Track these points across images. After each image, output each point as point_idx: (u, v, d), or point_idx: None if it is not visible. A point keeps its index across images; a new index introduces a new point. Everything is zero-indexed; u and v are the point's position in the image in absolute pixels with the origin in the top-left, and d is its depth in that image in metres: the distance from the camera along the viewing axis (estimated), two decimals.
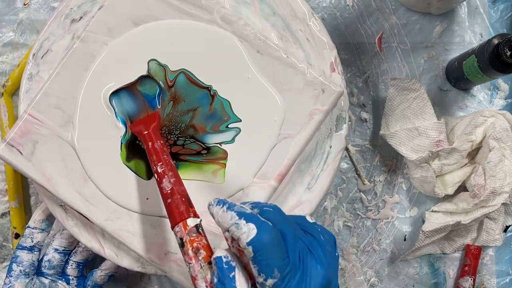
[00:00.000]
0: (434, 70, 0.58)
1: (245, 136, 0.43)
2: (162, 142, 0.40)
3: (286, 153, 0.43)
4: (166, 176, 0.36)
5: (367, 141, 0.58)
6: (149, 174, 0.43)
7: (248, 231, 0.29)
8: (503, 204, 0.54)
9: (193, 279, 0.31)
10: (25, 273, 0.46)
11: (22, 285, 0.46)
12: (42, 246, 0.48)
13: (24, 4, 0.58)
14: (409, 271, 0.57)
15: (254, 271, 0.29)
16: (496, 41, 0.48)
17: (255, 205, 0.31)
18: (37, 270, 0.48)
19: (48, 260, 0.48)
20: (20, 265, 0.46)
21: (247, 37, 0.43)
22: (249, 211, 0.30)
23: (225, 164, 0.43)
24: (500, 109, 0.58)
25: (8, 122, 0.55)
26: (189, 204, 0.35)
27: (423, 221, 0.55)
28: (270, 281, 0.28)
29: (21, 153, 0.42)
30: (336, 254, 0.33)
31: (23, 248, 0.47)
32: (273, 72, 0.43)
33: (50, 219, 0.48)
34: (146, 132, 0.40)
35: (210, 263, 0.31)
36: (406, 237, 0.57)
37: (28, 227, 0.48)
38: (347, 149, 0.57)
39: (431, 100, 0.54)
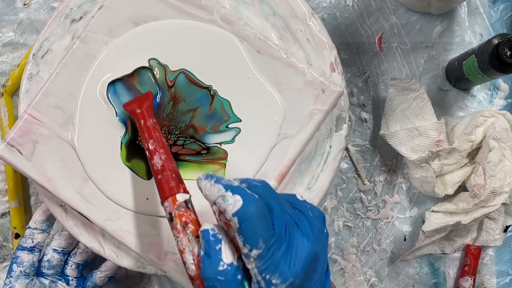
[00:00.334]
0: (434, 70, 0.58)
1: (245, 136, 0.43)
2: (154, 120, 0.40)
3: (286, 153, 0.43)
4: (157, 152, 0.37)
5: (367, 141, 0.58)
6: (149, 174, 0.43)
7: (234, 203, 0.29)
8: (503, 204, 0.54)
9: (181, 252, 0.31)
10: (25, 273, 0.46)
11: (22, 285, 0.46)
12: (43, 246, 0.48)
13: (24, 4, 0.58)
14: (409, 271, 0.57)
15: (240, 243, 0.29)
16: (496, 41, 0.48)
17: (244, 180, 0.31)
18: (37, 271, 0.48)
19: (48, 260, 0.48)
20: (21, 265, 0.46)
21: (247, 37, 0.43)
22: (236, 184, 0.30)
23: (225, 164, 0.43)
24: (500, 109, 0.58)
25: (8, 122, 0.55)
26: (179, 180, 0.35)
27: (423, 221, 0.55)
28: (255, 252, 0.28)
29: (21, 153, 0.42)
30: (325, 231, 0.32)
31: (24, 248, 0.47)
32: (273, 72, 0.43)
33: (50, 219, 0.48)
34: (139, 110, 0.40)
35: (198, 237, 0.32)
36: (406, 237, 0.57)
37: (29, 227, 0.48)
38: (347, 149, 0.57)
39: (431, 100, 0.54)
